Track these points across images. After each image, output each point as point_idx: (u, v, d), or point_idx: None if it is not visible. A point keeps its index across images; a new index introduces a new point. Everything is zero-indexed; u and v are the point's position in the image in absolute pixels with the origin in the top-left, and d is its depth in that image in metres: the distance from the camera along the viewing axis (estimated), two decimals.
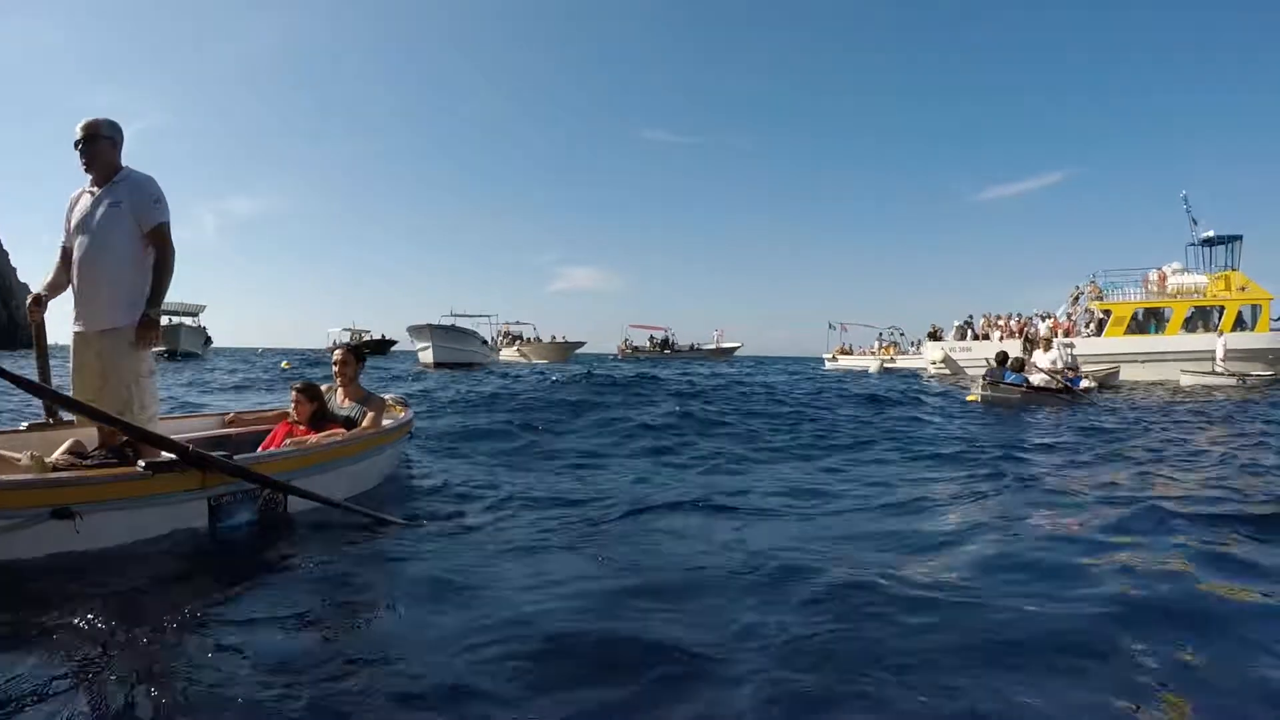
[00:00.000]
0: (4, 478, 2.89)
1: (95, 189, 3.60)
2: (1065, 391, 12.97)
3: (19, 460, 3.31)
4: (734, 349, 49.47)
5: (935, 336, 31.07)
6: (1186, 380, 21.06)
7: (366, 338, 49.21)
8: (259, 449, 4.50)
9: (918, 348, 35.61)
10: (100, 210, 3.54)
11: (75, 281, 3.62)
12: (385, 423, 5.11)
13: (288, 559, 3.27)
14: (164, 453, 3.19)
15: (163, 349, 42.44)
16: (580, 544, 3.67)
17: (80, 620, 2.36)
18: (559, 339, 47.07)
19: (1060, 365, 14.02)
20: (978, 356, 27.21)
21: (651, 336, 51.82)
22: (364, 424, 4.80)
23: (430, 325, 31.91)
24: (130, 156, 3.78)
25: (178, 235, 3.68)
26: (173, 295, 4.17)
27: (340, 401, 5.04)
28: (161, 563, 3.04)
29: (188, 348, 41.07)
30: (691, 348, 49.37)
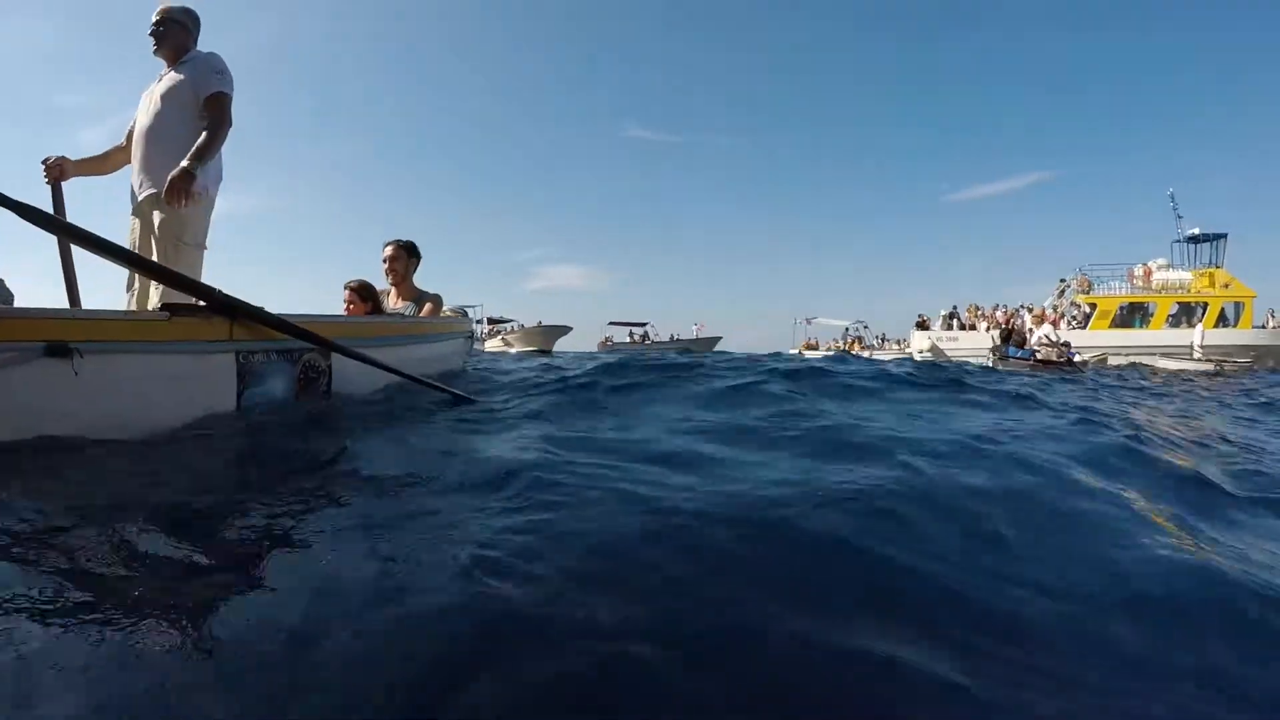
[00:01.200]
0: None
1: (166, 70, 3.63)
2: (1068, 363, 13.46)
3: None
4: (716, 340, 49.60)
5: (923, 326, 31.45)
6: (1163, 364, 21.49)
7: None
8: None
9: (882, 343, 36.85)
10: (163, 86, 3.56)
11: (135, 158, 3.60)
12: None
13: (331, 461, 2.42)
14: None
15: None
16: None
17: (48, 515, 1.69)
18: (541, 324, 46.94)
19: (1055, 338, 14.39)
20: (964, 346, 28.09)
21: (631, 332, 51.84)
22: (424, 313, 4.47)
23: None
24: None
25: None
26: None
27: (393, 302, 4.66)
28: (168, 448, 2.41)
29: None
30: (672, 339, 49.33)
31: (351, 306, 4.20)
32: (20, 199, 2.36)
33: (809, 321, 42.92)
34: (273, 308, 2.98)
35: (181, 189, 3.23)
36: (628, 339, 50.36)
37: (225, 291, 2.79)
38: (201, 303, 2.75)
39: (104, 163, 3.69)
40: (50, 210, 3.31)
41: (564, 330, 46.96)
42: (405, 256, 4.67)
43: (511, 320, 50.14)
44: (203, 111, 3.47)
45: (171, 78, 3.56)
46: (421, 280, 4.93)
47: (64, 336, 2.28)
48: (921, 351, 29.68)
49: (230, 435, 2.68)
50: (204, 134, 3.39)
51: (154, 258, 3.32)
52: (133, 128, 3.65)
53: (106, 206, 3.81)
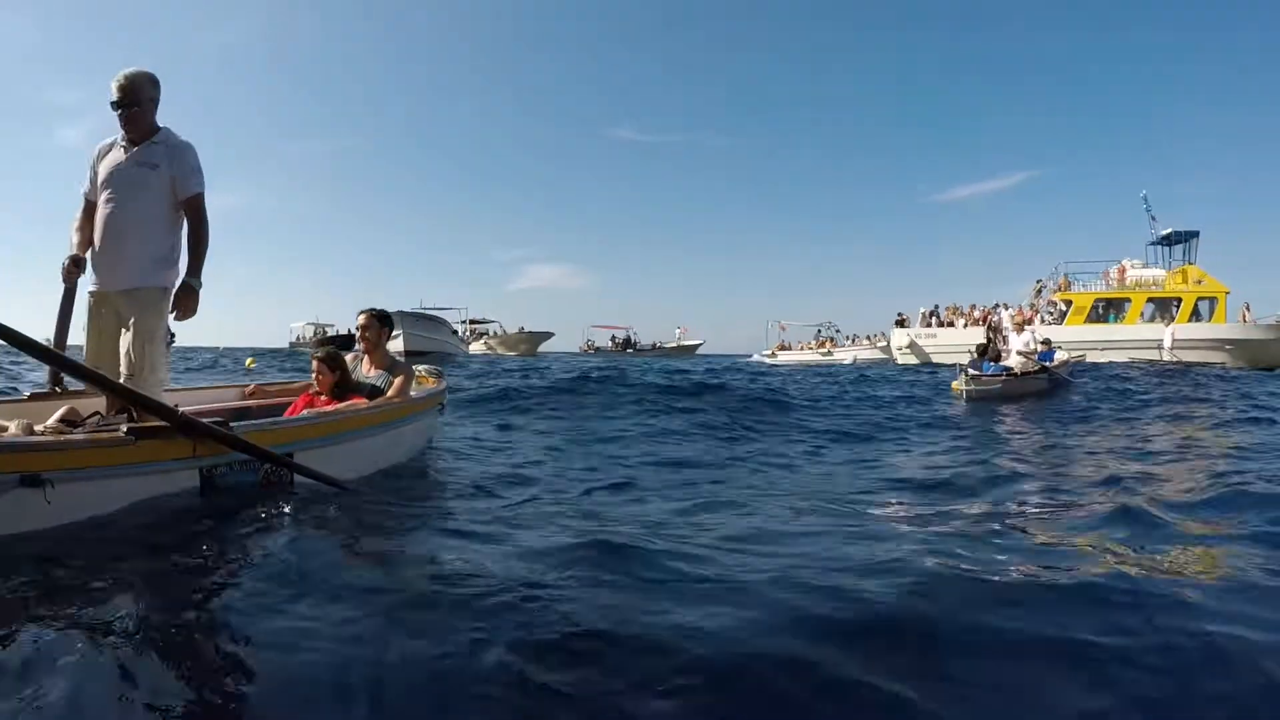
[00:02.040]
0: None
1: (129, 144, 3.47)
2: (1042, 371, 13.31)
3: (7, 429, 2.99)
4: (696, 346, 49.58)
5: (902, 324, 31.75)
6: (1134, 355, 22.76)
7: (331, 332, 47.87)
8: None
9: (853, 341, 37.24)
10: (134, 170, 3.43)
11: (99, 240, 3.45)
12: (413, 393, 4.77)
13: (285, 543, 2.67)
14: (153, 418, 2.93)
15: None
16: None
17: (40, 602, 2.02)
18: (525, 330, 46.87)
19: (1033, 346, 14.33)
20: (942, 343, 28.57)
21: (614, 336, 51.68)
22: (389, 393, 4.47)
23: (401, 312, 31.19)
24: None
25: None
26: None
27: (365, 370, 4.68)
28: (139, 537, 2.65)
29: None
30: (654, 346, 49.23)
31: (320, 376, 4.29)
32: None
33: (783, 326, 43.38)
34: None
35: (191, 307, 3.45)
36: (610, 343, 50.34)
37: (186, 412, 2.96)
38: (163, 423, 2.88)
39: (87, 246, 3.54)
40: (60, 303, 3.52)
41: (546, 336, 46.90)
42: (378, 325, 4.73)
43: (494, 322, 49.90)
44: (179, 206, 3.49)
45: (143, 162, 3.44)
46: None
47: (37, 467, 2.48)
48: (901, 348, 30.14)
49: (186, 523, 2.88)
50: (190, 244, 3.50)
51: (121, 346, 3.42)
52: (92, 201, 3.50)
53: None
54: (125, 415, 3.18)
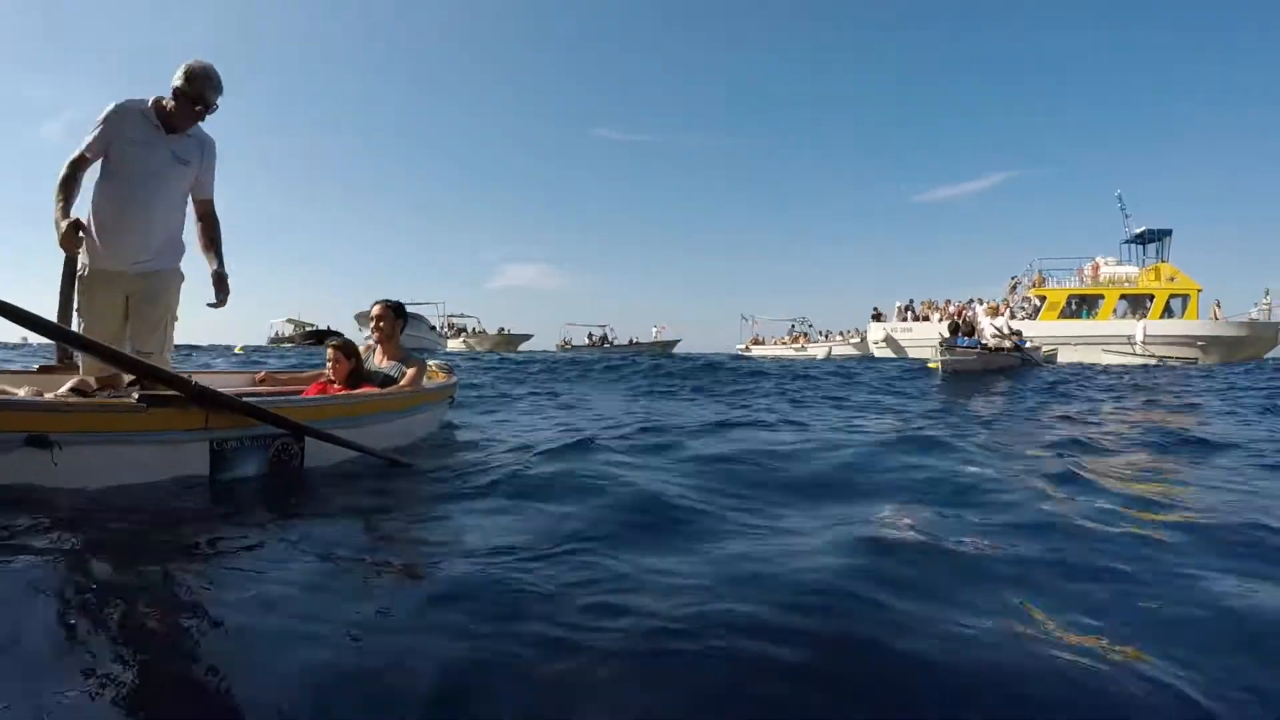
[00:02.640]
0: None
1: (160, 127, 3.31)
2: (1016, 350, 13.56)
3: (16, 394, 2.90)
4: (674, 343, 49.90)
5: (878, 318, 31.96)
6: (1107, 359, 23.01)
7: (310, 329, 47.53)
8: None
9: (826, 336, 37.63)
10: (168, 159, 3.34)
11: (114, 217, 3.28)
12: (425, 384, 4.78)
13: (293, 518, 2.62)
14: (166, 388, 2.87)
15: None
16: None
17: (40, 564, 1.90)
18: (506, 331, 46.78)
19: (1006, 330, 14.54)
20: (918, 336, 28.86)
21: (590, 333, 51.72)
22: (402, 382, 4.47)
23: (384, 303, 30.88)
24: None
25: None
26: None
27: (378, 361, 4.68)
28: (144, 509, 2.55)
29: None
30: (631, 343, 49.35)
31: (336, 365, 4.28)
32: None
33: (755, 321, 43.53)
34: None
35: (227, 291, 3.51)
36: (586, 340, 50.29)
37: (200, 382, 2.91)
38: (175, 393, 2.83)
39: (75, 187, 3.24)
40: (61, 275, 3.42)
41: (525, 338, 47.19)
42: (392, 317, 4.72)
43: (472, 318, 49.71)
44: (197, 206, 3.53)
45: (178, 154, 3.36)
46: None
47: (45, 428, 2.45)
48: (877, 343, 30.43)
49: (194, 501, 2.79)
50: (216, 238, 3.53)
51: (114, 320, 3.36)
52: (89, 158, 3.24)
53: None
54: (139, 389, 3.08)
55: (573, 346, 48.80)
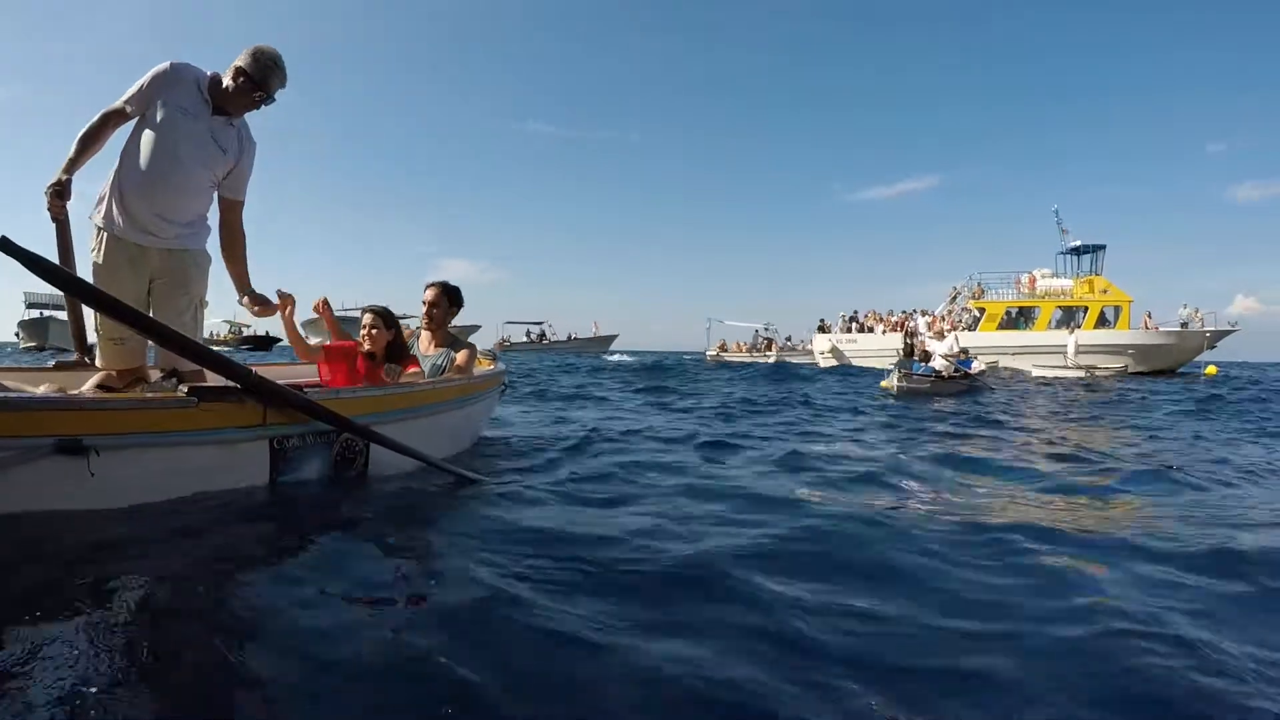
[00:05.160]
0: None
1: (209, 104, 3.09)
2: (964, 377, 14.39)
3: (36, 392, 2.52)
4: (612, 338, 50.11)
5: (824, 329, 32.30)
6: (1037, 371, 23.80)
7: (247, 333, 46.20)
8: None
9: (791, 342, 37.76)
10: (206, 141, 3.09)
11: (147, 189, 3.00)
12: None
13: (369, 535, 2.37)
14: (219, 379, 2.55)
15: (32, 343, 39.00)
16: None
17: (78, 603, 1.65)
18: (452, 328, 46.08)
19: (955, 350, 15.40)
20: (862, 348, 29.49)
21: (529, 331, 51.61)
22: (458, 363, 4.17)
23: (324, 299, 30.09)
24: None
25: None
26: (45, 288, 3.43)
27: (425, 348, 4.35)
28: (201, 524, 2.24)
29: (58, 342, 37.60)
30: (570, 338, 49.42)
31: (375, 332, 3.69)
32: (31, 250, 2.08)
33: (718, 323, 43.26)
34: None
35: (270, 309, 3.36)
36: (525, 338, 50.02)
37: (259, 373, 2.60)
38: (230, 384, 2.52)
39: (101, 140, 3.03)
40: (56, 242, 2.98)
41: (472, 329, 46.64)
42: (446, 303, 4.38)
43: (414, 316, 49.10)
44: (223, 201, 3.26)
45: (220, 139, 3.13)
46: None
47: (77, 430, 2.04)
48: (823, 353, 30.68)
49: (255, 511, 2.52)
50: (238, 250, 3.28)
51: (156, 306, 3.09)
52: (127, 111, 3.02)
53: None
54: (175, 382, 2.87)
55: (511, 344, 48.41)
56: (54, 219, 2.93)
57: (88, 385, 2.92)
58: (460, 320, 4.91)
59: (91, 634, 1.49)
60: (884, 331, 29.82)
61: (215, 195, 3.22)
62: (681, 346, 40.45)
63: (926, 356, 14.19)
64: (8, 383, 2.60)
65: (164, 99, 3.01)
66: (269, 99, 3.14)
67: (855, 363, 28.26)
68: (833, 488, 3.76)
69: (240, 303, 3.31)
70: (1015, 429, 7.28)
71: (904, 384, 12.55)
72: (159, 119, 2.99)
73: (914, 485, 3.94)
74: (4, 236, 2.00)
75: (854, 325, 31.64)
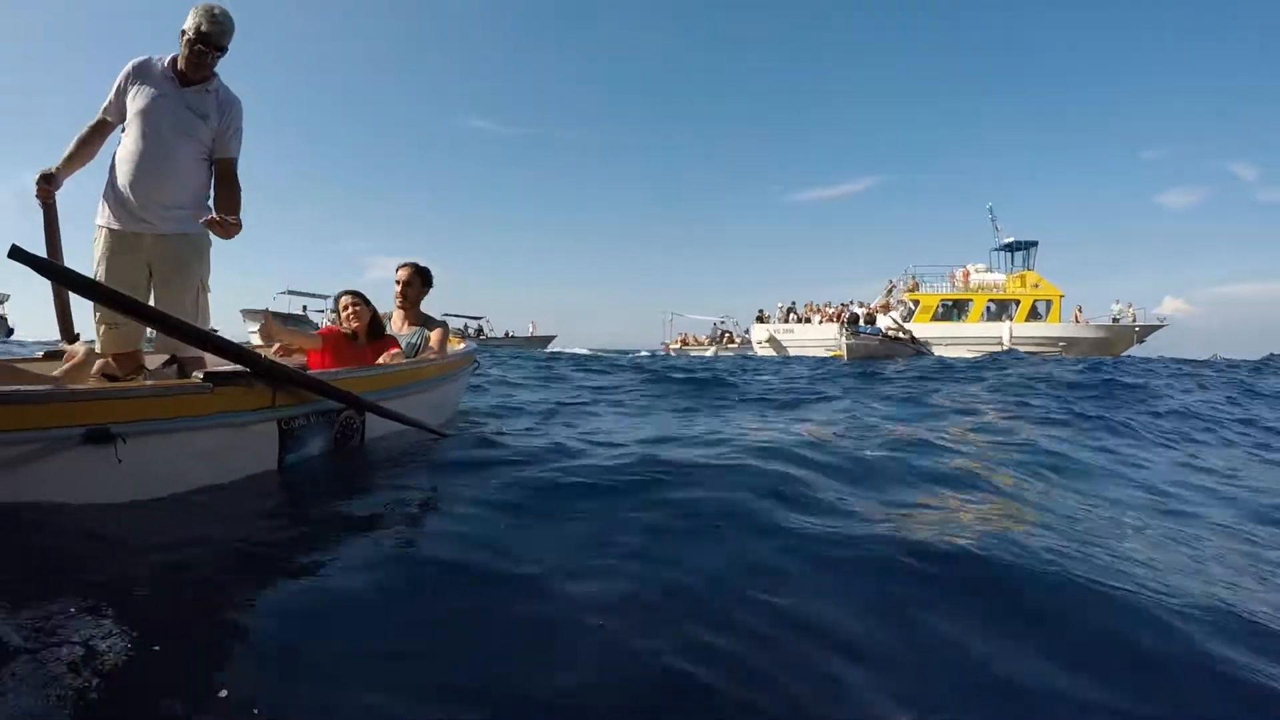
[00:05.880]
0: (19, 388, 2.08)
1: (175, 80, 3.15)
2: (912, 340, 15.09)
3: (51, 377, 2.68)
4: (549, 339, 49.88)
5: (762, 320, 32.37)
6: (969, 353, 24.13)
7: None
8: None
9: (748, 335, 37.49)
10: (184, 114, 3.14)
11: (131, 175, 3.10)
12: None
13: (389, 506, 2.46)
14: (228, 363, 2.64)
15: None
16: None
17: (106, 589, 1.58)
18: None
19: (897, 323, 16.34)
20: (800, 338, 29.55)
21: (466, 324, 50.84)
22: (432, 342, 4.33)
23: (268, 311, 29.23)
24: None
25: None
26: None
27: (398, 327, 4.45)
28: (221, 507, 2.32)
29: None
30: (507, 335, 48.93)
31: (358, 309, 3.87)
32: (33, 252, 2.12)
33: (678, 316, 43.05)
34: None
35: (232, 227, 3.08)
36: (462, 329, 49.15)
37: (268, 357, 2.79)
38: (240, 368, 2.63)
39: (75, 164, 3.16)
40: (44, 237, 3.13)
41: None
42: (419, 283, 4.49)
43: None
44: (211, 160, 3.25)
45: (193, 107, 3.16)
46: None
47: (104, 419, 2.15)
48: (760, 343, 30.82)
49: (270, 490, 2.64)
50: (227, 197, 3.21)
51: (155, 294, 3.19)
52: (110, 121, 3.17)
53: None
54: (175, 368, 3.06)
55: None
56: (42, 204, 3.07)
57: (93, 372, 3.04)
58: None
59: (120, 627, 1.42)
60: (821, 322, 30.04)
61: (211, 169, 3.24)
62: (633, 345, 40.08)
63: (872, 319, 15.01)
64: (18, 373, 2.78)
65: (135, 92, 3.11)
66: (218, 51, 3.12)
67: (793, 352, 28.45)
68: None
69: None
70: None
71: (854, 341, 13.05)
72: (138, 109, 3.08)
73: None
74: (14, 245, 2.05)
75: (791, 316, 31.80)
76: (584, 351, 31.31)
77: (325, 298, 45.46)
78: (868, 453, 3.60)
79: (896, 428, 4.98)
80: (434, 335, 4.36)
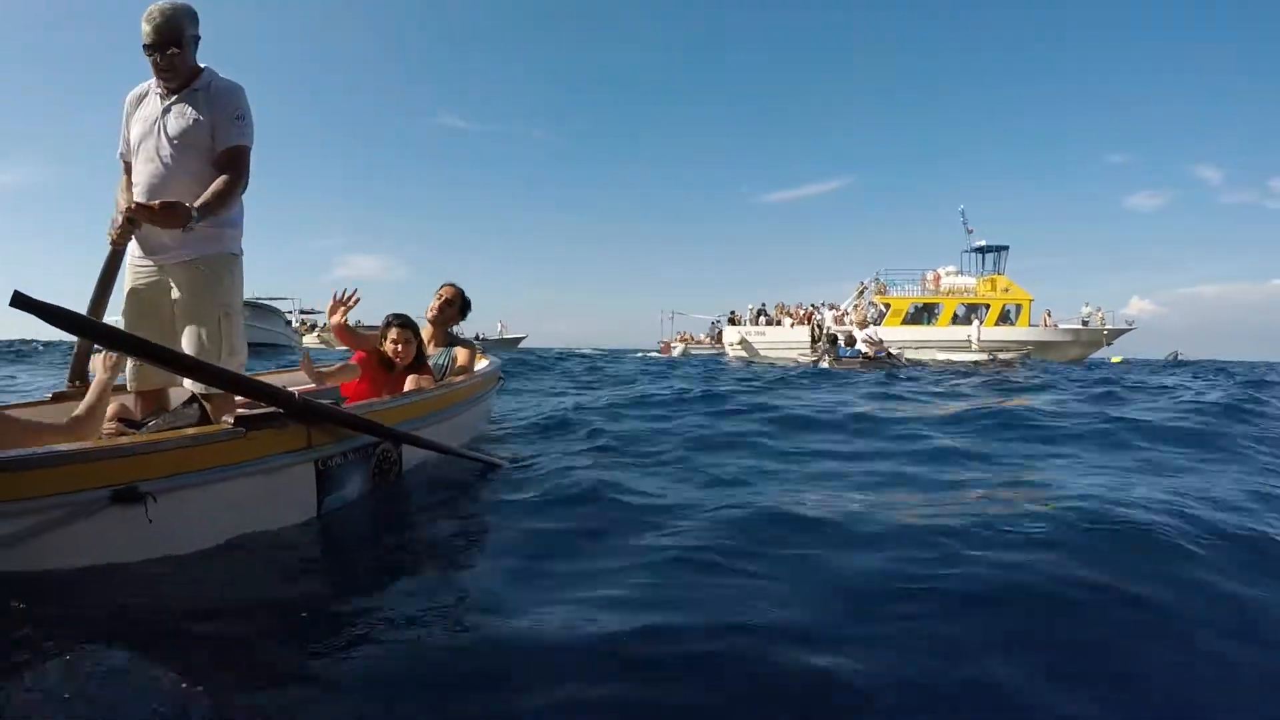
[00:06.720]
0: (39, 450, 1.96)
1: (166, 93, 3.01)
2: (888, 357, 16.52)
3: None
4: (519, 339, 49.72)
5: (734, 321, 32.36)
6: (941, 356, 24.61)
7: None
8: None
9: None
10: (175, 124, 2.99)
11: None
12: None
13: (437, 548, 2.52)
14: (259, 404, 2.52)
15: None
16: None
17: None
18: (360, 325, 44.76)
19: (876, 339, 17.35)
20: (771, 340, 29.61)
21: None
22: (461, 362, 4.38)
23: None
24: None
25: None
26: None
27: (429, 348, 4.38)
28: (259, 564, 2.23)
29: None
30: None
31: (405, 347, 3.81)
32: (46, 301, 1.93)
33: (680, 315, 42.61)
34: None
35: (169, 215, 2.69)
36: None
37: (298, 393, 2.63)
38: (274, 409, 2.53)
39: (130, 197, 3.04)
40: (101, 270, 3.03)
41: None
42: (458, 307, 4.55)
43: (322, 311, 48.24)
44: (217, 160, 3.04)
45: (185, 113, 2.99)
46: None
47: (132, 476, 2.03)
48: (732, 344, 30.75)
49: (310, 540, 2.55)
50: (217, 186, 2.91)
51: (164, 322, 3.02)
52: (129, 160, 3.09)
53: None
54: (197, 407, 2.92)
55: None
56: (116, 248, 2.98)
57: (107, 424, 2.88)
58: (368, 320, 5.35)
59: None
60: (792, 324, 30.16)
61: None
62: (627, 344, 39.97)
63: (851, 341, 16.10)
64: (22, 420, 2.55)
65: (133, 122, 3.07)
66: (172, 48, 2.88)
67: (764, 353, 28.43)
68: None
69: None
70: None
71: (837, 367, 14.66)
72: (135, 139, 3.03)
73: None
74: (17, 291, 1.90)
75: (762, 318, 31.81)
76: (589, 351, 31.40)
77: (286, 299, 44.78)
78: None
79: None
80: (462, 355, 4.40)
